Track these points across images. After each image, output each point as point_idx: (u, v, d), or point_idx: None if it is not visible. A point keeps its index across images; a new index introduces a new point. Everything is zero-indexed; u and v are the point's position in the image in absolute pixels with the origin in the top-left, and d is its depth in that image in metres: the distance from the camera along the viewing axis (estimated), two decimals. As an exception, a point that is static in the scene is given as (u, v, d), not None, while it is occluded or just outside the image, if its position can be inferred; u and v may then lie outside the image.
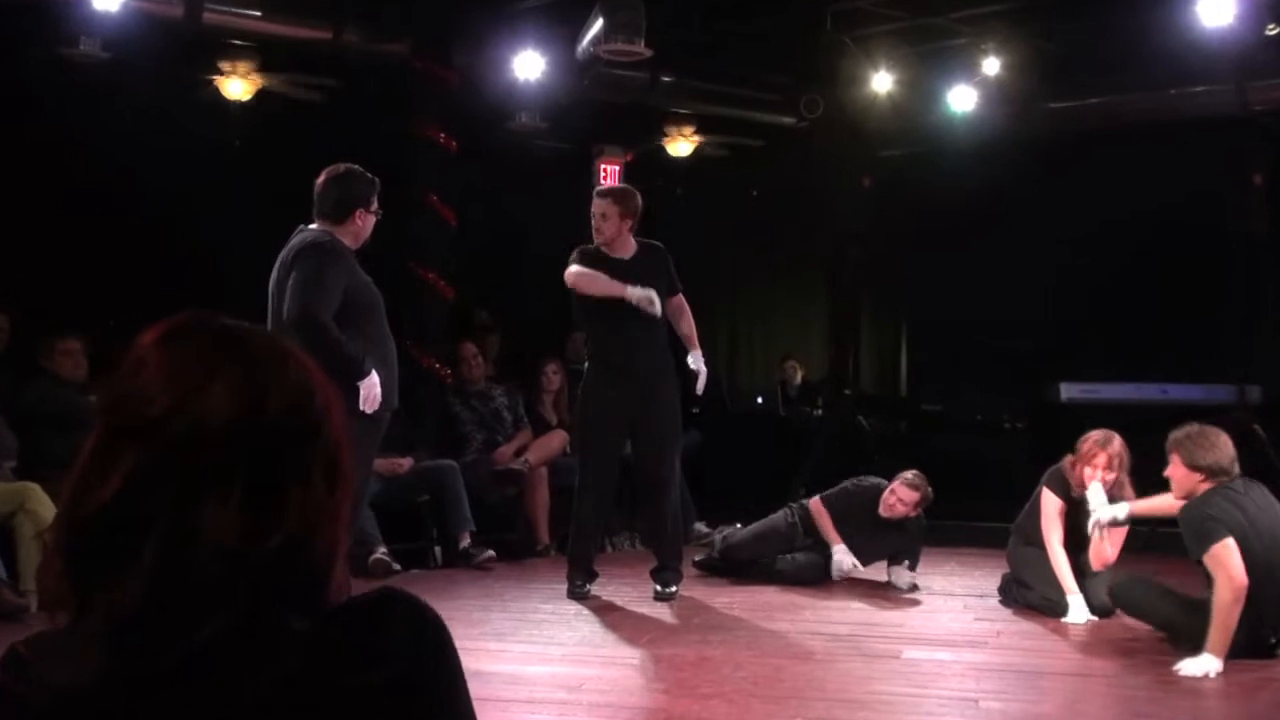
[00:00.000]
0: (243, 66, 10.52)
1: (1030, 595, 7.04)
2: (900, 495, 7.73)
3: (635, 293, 6.87)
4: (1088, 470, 6.74)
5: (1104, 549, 6.56)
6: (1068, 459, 6.91)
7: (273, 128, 10.71)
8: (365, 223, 5.80)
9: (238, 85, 10.54)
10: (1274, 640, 5.73)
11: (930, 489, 7.73)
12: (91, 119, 9.57)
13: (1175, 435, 5.88)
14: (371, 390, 5.51)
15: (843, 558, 7.80)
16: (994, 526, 9.23)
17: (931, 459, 10.50)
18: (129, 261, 9.73)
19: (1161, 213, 11.49)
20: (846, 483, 8.09)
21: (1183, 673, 5.43)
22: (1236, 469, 5.79)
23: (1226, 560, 5.45)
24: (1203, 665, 5.42)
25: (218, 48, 10.38)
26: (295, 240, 5.70)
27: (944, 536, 9.38)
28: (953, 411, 11.64)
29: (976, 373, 11.78)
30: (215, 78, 10.55)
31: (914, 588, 7.69)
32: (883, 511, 7.77)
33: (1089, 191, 11.50)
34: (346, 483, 1.32)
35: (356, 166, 5.86)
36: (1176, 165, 11.03)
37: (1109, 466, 6.70)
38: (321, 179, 5.78)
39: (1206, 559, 5.52)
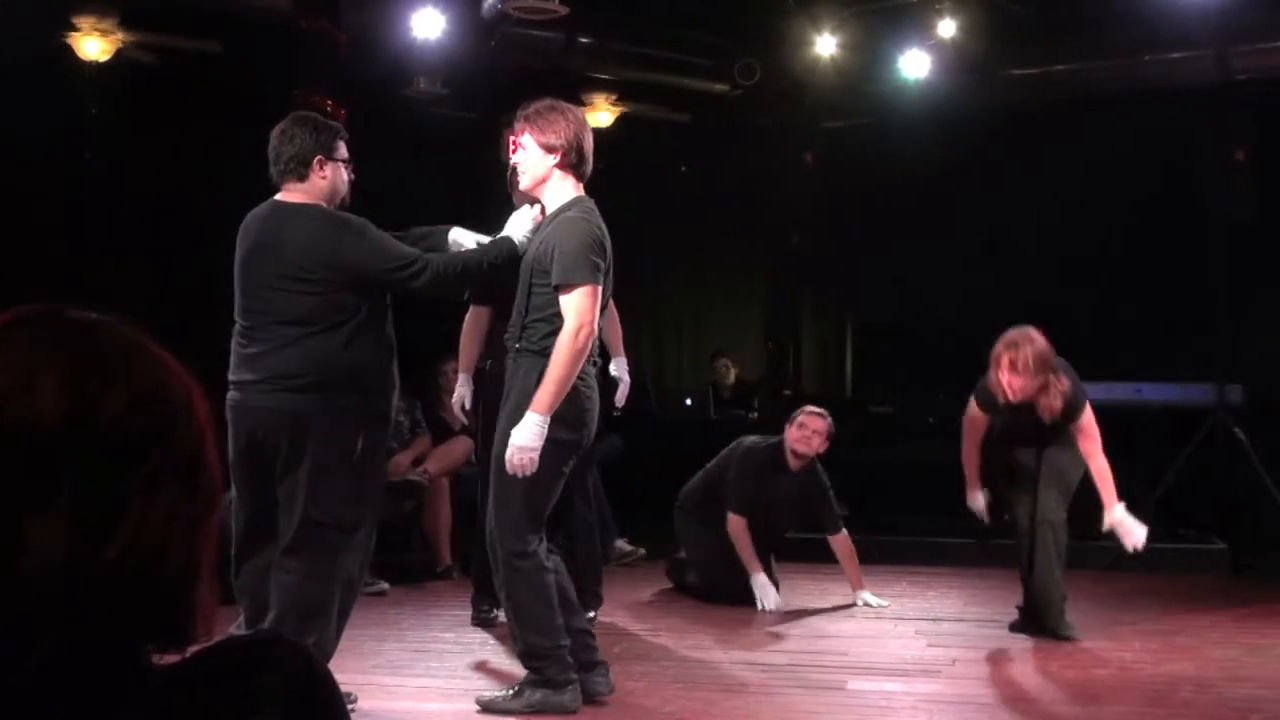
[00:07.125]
0: (101, 23, 10.37)
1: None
2: (813, 426, 8.07)
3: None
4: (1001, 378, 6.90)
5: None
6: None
7: (135, 94, 10.57)
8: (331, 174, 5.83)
9: (94, 44, 10.39)
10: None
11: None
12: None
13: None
14: None
15: (767, 594, 7.94)
16: (950, 542, 9.35)
17: (880, 467, 10.60)
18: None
19: (1133, 194, 11.61)
20: (732, 468, 8.21)
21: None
22: None
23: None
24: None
25: (72, 1, 10.24)
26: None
27: (895, 553, 9.46)
28: (904, 414, 11.71)
29: (929, 371, 11.85)
30: (69, 35, 10.40)
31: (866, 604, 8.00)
32: (797, 448, 8.04)
33: (1054, 170, 11.60)
34: (211, 489, 1.31)
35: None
36: (1150, 141, 11.14)
37: (1013, 368, 6.82)
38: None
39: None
